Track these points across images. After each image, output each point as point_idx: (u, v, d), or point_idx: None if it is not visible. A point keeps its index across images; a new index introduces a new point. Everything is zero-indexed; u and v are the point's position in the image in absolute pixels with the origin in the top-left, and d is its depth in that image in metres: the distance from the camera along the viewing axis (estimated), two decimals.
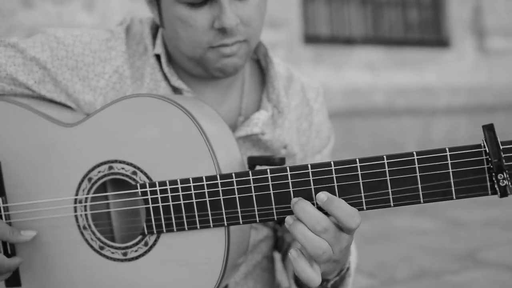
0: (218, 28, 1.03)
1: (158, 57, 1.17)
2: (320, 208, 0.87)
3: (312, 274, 0.86)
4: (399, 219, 4.50)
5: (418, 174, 0.83)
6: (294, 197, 0.88)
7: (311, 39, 5.88)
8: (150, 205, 0.97)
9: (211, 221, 0.93)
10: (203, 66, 1.09)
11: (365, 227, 4.18)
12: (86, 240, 1.03)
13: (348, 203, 0.85)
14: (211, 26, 1.03)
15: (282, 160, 0.97)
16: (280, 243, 1.27)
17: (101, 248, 1.02)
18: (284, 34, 5.49)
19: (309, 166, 0.88)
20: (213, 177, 0.93)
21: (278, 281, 1.29)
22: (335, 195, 0.86)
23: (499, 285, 2.74)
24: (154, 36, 1.19)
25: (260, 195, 0.90)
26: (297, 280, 1.09)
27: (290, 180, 0.88)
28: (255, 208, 0.91)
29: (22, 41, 1.14)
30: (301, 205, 0.85)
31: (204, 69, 1.10)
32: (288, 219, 0.87)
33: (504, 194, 0.80)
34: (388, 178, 0.84)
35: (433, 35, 6.82)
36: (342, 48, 6.07)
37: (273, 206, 0.90)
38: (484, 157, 0.81)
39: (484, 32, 6.94)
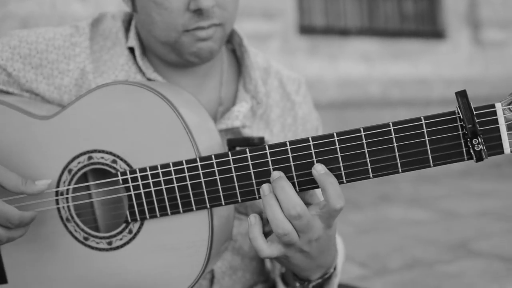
0: (194, 10, 1.01)
1: (131, 50, 1.15)
2: (303, 183, 0.87)
3: (262, 244, 0.87)
4: (392, 209, 4.53)
5: (395, 144, 0.85)
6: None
7: (306, 30, 5.87)
8: (132, 192, 0.97)
9: (193, 204, 0.94)
10: (177, 51, 1.07)
11: (358, 218, 4.20)
12: (70, 232, 1.03)
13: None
14: (186, 8, 1.01)
15: (261, 140, 0.98)
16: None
17: (86, 239, 1.02)
18: (279, 25, 5.48)
19: (287, 143, 0.88)
20: (193, 160, 0.93)
21: (268, 270, 1.29)
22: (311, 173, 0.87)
23: (491, 275, 2.76)
24: (127, 30, 1.17)
25: (240, 175, 0.91)
26: (283, 279, 1.10)
27: (269, 158, 0.89)
28: (236, 188, 0.91)
29: None
30: (281, 184, 0.85)
31: (178, 54, 1.08)
32: (265, 188, 0.87)
33: (479, 158, 0.81)
34: (366, 150, 0.85)
35: (428, 27, 6.82)
36: (338, 39, 6.07)
37: (254, 185, 0.91)
38: (459, 124, 0.82)
39: (479, 24, 6.94)
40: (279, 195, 0.85)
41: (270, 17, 5.38)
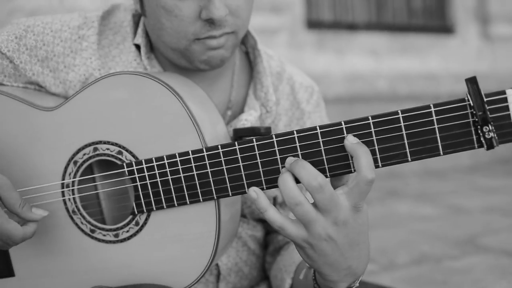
0: (205, 19, 0.96)
1: (138, 46, 1.11)
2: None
3: (274, 214, 0.81)
4: (400, 205, 4.51)
5: (404, 132, 0.83)
6: (281, 164, 0.86)
7: (313, 24, 5.85)
8: (138, 184, 0.96)
9: (200, 195, 0.93)
10: (187, 58, 1.03)
11: None
12: (77, 224, 1.02)
13: (336, 166, 0.84)
14: (197, 17, 0.97)
15: (268, 130, 0.96)
16: (268, 241, 1.23)
17: (92, 231, 1.02)
18: (286, 19, 5.46)
19: (294, 132, 0.87)
20: (199, 151, 0.92)
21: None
22: (322, 159, 0.85)
23: (499, 270, 2.75)
24: (137, 24, 1.13)
25: (247, 165, 0.89)
26: None
27: (276, 148, 0.87)
28: (244, 178, 0.90)
29: None
30: (301, 163, 0.81)
31: (188, 61, 1.04)
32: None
33: (490, 146, 0.80)
34: (374, 138, 0.84)
35: (437, 22, 6.77)
36: (345, 34, 6.04)
37: (261, 175, 0.89)
38: (469, 111, 0.80)
39: (488, 18, 6.89)
40: (299, 172, 0.80)
41: (277, 11, 5.36)
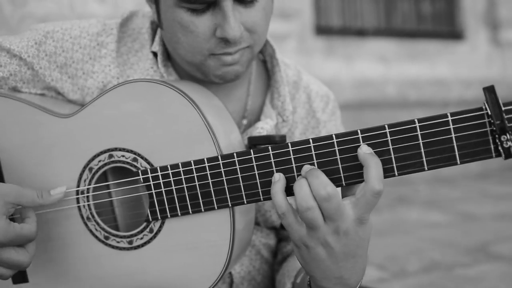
0: (220, 38, 0.97)
1: (156, 54, 1.11)
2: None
3: (282, 199, 0.84)
4: (409, 212, 4.49)
5: (421, 141, 0.82)
6: (297, 172, 0.87)
7: (322, 30, 5.85)
8: (153, 191, 0.96)
9: (215, 203, 0.93)
10: (202, 72, 1.03)
11: (375, 220, 4.16)
12: (91, 231, 1.03)
13: (351, 175, 0.84)
14: (212, 34, 0.96)
15: (282, 138, 0.96)
16: (278, 249, 1.23)
17: (106, 238, 1.02)
18: (295, 25, 5.47)
19: (310, 140, 0.87)
20: (215, 158, 0.92)
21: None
22: (338, 167, 0.85)
23: (511, 279, 2.72)
24: (155, 31, 1.13)
25: (262, 173, 0.89)
26: None
27: (292, 156, 0.88)
28: (259, 186, 0.90)
29: (6, 39, 1.10)
30: (315, 172, 0.83)
31: (203, 74, 1.04)
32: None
33: (508, 155, 0.79)
34: (390, 147, 0.83)
35: (446, 27, 6.75)
36: (354, 40, 6.04)
37: None
38: (487, 120, 0.80)
39: (498, 24, 6.86)
40: (312, 181, 0.82)
41: (286, 17, 5.37)
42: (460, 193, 5.35)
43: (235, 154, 0.91)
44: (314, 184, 0.81)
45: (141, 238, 0.99)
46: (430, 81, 6.36)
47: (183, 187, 0.94)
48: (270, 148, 0.89)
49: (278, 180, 0.86)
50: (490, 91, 0.79)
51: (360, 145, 0.84)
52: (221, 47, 0.97)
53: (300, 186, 0.82)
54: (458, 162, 0.82)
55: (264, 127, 1.09)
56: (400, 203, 4.87)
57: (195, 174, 0.93)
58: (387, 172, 0.85)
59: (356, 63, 5.96)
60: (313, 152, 0.87)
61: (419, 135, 0.83)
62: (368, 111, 5.85)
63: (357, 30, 6.13)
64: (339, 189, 0.90)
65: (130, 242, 1.00)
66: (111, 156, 1.00)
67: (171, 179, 0.95)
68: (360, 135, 0.85)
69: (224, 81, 1.04)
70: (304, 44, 5.59)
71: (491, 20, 6.86)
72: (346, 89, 5.70)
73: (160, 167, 0.95)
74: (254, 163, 0.90)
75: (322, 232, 0.82)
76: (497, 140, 0.79)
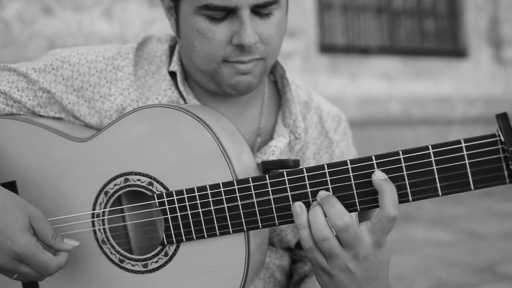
0: (236, 44, 1.00)
1: (173, 74, 1.14)
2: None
3: (307, 233, 0.85)
4: (415, 230, 4.47)
5: (434, 167, 0.84)
6: (312, 197, 0.88)
7: (327, 48, 5.89)
8: (169, 215, 0.97)
9: (230, 227, 0.94)
10: (216, 81, 1.06)
11: None
12: (106, 254, 1.03)
13: (366, 200, 0.86)
14: (228, 41, 1.00)
15: (296, 163, 0.97)
16: (293, 270, 1.23)
17: (121, 261, 1.02)
18: (300, 43, 5.51)
19: (325, 166, 0.88)
20: (230, 183, 0.93)
21: None
22: (353, 193, 0.86)
23: None
24: (172, 53, 1.16)
25: (278, 198, 0.91)
26: None
27: (307, 182, 0.89)
28: (274, 211, 0.91)
29: (23, 65, 1.13)
30: (331, 200, 0.84)
31: (216, 84, 1.06)
32: (313, 204, 0.87)
33: None
34: (405, 172, 0.85)
35: (449, 45, 6.79)
36: (358, 58, 6.07)
37: (292, 207, 0.90)
38: (500, 146, 0.81)
39: (501, 42, 6.89)
40: (328, 210, 0.84)
41: (291, 36, 5.41)
42: (465, 210, 5.32)
43: (250, 179, 0.92)
44: (330, 213, 0.83)
45: (156, 262, 1.00)
46: (434, 98, 6.38)
47: (199, 211, 0.95)
48: (285, 173, 0.90)
49: (301, 212, 0.87)
50: (503, 118, 0.80)
51: (374, 171, 0.85)
52: (236, 54, 1.01)
53: (315, 214, 0.84)
54: (472, 188, 0.83)
55: (278, 145, 1.11)
56: (405, 221, 4.85)
57: (210, 199, 0.94)
58: (402, 198, 0.86)
59: (360, 80, 5.99)
60: (328, 178, 0.88)
61: (433, 161, 0.84)
62: (372, 128, 5.86)
63: (361, 48, 6.17)
64: (354, 214, 0.91)
65: (145, 266, 1.00)
66: (127, 180, 1.01)
67: (187, 203, 0.95)
68: (374, 161, 0.86)
69: (237, 91, 1.06)
70: (309, 62, 5.63)
71: (494, 38, 6.90)
72: (351, 106, 5.72)
73: (176, 191, 0.96)
74: (270, 188, 0.91)
75: (342, 259, 0.84)
76: (510, 166, 0.80)
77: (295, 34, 5.47)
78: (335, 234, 0.85)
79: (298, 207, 0.87)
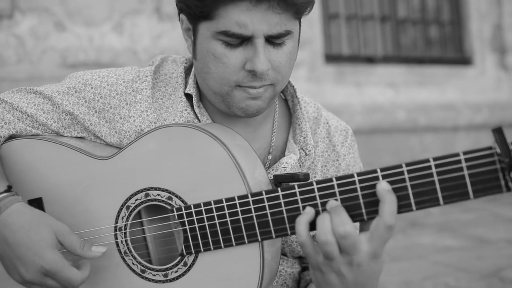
0: (248, 70, 1.05)
1: (188, 96, 1.19)
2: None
3: (303, 230, 0.94)
4: (422, 236, 4.48)
5: (436, 178, 0.90)
6: (321, 207, 0.96)
7: (333, 58, 5.94)
8: (187, 227, 1.03)
9: (245, 238, 1.00)
10: (227, 103, 1.11)
11: (389, 244, 4.14)
12: (128, 265, 1.09)
13: (371, 211, 0.93)
14: (242, 67, 1.05)
15: (306, 176, 1.03)
16: (301, 277, 1.29)
17: (143, 271, 1.08)
18: (306, 54, 5.57)
19: (334, 179, 0.95)
20: (245, 196, 1.00)
21: None
22: (359, 203, 0.93)
23: None
24: (187, 75, 1.22)
25: (289, 209, 0.97)
26: None
27: (317, 193, 0.96)
28: (286, 221, 0.98)
29: (48, 88, 1.19)
30: (338, 209, 0.93)
31: (227, 106, 1.12)
32: (330, 202, 0.95)
33: None
34: (408, 183, 0.92)
35: (454, 52, 6.82)
36: (364, 67, 6.12)
37: None
38: (496, 158, 0.88)
39: (505, 49, 6.92)
40: (333, 217, 0.92)
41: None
42: (472, 216, 5.32)
43: (263, 192, 0.99)
44: (335, 220, 0.91)
45: (176, 271, 1.06)
46: (439, 105, 6.41)
47: (215, 223, 1.02)
48: (296, 186, 0.97)
49: (307, 212, 0.95)
50: (498, 132, 0.87)
51: (379, 182, 0.92)
52: (248, 80, 1.06)
53: (323, 220, 0.92)
54: (471, 197, 0.90)
55: (289, 162, 1.17)
56: (412, 227, 4.87)
57: (226, 211, 1.01)
58: (406, 207, 0.93)
59: (366, 89, 6.04)
60: (336, 190, 0.95)
61: (434, 172, 0.91)
62: (378, 136, 5.90)
63: (366, 57, 6.22)
64: (357, 224, 0.98)
65: (166, 275, 1.06)
66: (147, 195, 1.07)
67: (204, 215, 1.02)
68: (379, 173, 0.93)
69: (246, 114, 1.12)
70: (315, 72, 5.69)
71: (499, 45, 6.92)
72: (357, 115, 5.77)
73: (194, 205, 1.03)
74: (282, 200, 0.98)
75: (337, 263, 0.93)
76: (506, 177, 0.87)
77: (301, 44, 5.51)
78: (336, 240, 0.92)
79: (308, 208, 0.96)
